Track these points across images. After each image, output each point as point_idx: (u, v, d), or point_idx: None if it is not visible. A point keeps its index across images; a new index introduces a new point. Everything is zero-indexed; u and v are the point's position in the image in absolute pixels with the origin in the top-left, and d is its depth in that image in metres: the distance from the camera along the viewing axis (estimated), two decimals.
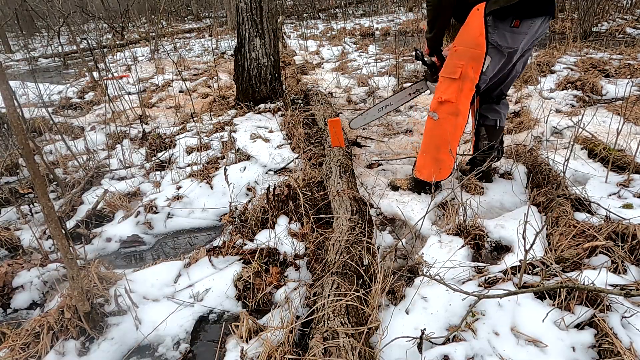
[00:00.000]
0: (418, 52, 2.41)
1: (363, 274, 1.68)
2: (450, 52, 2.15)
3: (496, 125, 2.41)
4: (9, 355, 1.54)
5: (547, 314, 1.44)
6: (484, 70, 2.06)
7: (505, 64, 2.14)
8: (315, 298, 1.57)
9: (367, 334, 1.43)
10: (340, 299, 1.47)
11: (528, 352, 1.36)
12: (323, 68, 6.32)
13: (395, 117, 3.94)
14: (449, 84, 2.14)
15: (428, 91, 2.66)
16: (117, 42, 9.14)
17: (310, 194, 2.39)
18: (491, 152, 2.44)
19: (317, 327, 1.41)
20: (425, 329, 1.38)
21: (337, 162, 2.49)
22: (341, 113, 4.08)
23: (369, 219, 2.06)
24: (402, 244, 2.07)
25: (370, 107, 2.73)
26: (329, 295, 1.50)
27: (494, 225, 2.09)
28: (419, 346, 1.36)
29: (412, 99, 2.76)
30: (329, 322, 1.38)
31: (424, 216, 1.99)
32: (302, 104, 4.15)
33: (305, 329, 1.53)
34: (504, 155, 2.78)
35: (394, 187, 2.54)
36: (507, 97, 2.44)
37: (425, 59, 2.45)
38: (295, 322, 1.55)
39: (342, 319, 1.39)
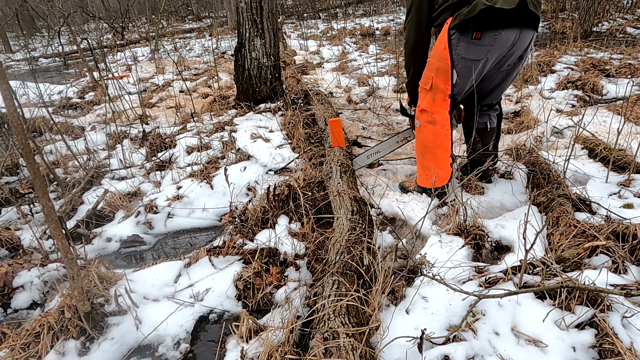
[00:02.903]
0: (401, 104, 2.58)
1: (363, 274, 1.68)
2: (427, 63, 2.24)
3: (486, 128, 2.43)
4: (9, 355, 1.54)
5: (548, 314, 1.43)
6: (453, 82, 2.11)
7: (478, 75, 2.12)
8: (315, 298, 1.57)
9: (367, 334, 1.43)
10: (341, 299, 1.47)
11: (528, 352, 1.36)
12: (323, 68, 6.32)
13: (396, 117, 3.93)
14: (424, 94, 2.23)
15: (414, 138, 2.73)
16: (118, 42, 9.14)
17: (310, 194, 2.39)
18: (488, 154, 2.45)
19: (317, 327, 1.41)
20: (425, 329, 1.38)
21: (338, 162, 2.49)
22: (341, 113, 4.08)
23: (369, 219, 2.06)
24: (402, 244, 2.07)
25: (360, 155, 2.79)
26: (329, 295, 1.50)
27: (495, 225, 2.08)
28: (419, 346, 1.36)
29: (401, 146, 2.81)
30: (329, 322, 1.38)
31: (424, 217, 1.99)
32: (302, 104, 4.14)
33: (306, 329, 1.52)
34: (502, 155, 2.79)
35: (404, 188, 2.55)
36: (498, 104, 2.44)
37: (408, 110, 2.55)
38: (296, 322, 1.55)
39: (342, 319, 1.39)
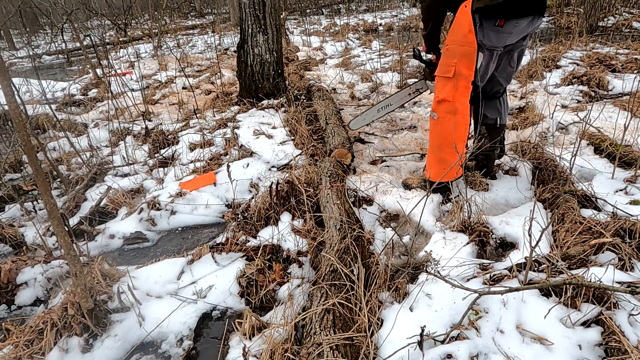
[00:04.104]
0: (416, 50, 2.42)
1: (356, 280, 1.66)
2: (443, 51, 2.15)
3: (496, 124, 2.39)
4: (13, 352, 1.54)
5: (550, 310, 1.42)
6: (477, 67, 2.05)
7: (493, 62, 2.13)
8: (305, 314, 1.57)
9: (360, 339, 1.42)
10: (328, 312, 1.47)
11: (534, 350, 1.35)
12: (326, 64, 6.29)
13: (399, 113, 3.91)
14: (444, 83, 2.14)
15: (428, 90, 2.65)
16: (120, 39, 9.13)
17: (312, 190, 2.38)
18: (494, 150, 2.42)
19: (305, 341, 1.42)
20: (425, 327, 1.36)
21: (327, 173, 2.48)
22: (343, 109, 4.06)
23: (360, 226, 2.05)
24: (402, 241, 2.06)
25: (370, 108, 2.72)
26: (316, 309, 1.50)
27: (499, 222, 2.07)
28: (420, 344, 1.34)
29: (412, 98, 2.74)
30: (315, 336, 1.39)
31: (420, 217, 1.97)
32: (305, 100, 4.13)
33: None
34: (506, 152, 2.77)
35: (407, 186, 2.53)
36: (505, 94, 2.40)
37: (423, 57, 2.44)
38: (296, 319, 1.55)
39: (327, 332, 1.40)
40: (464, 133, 2.19)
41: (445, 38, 2.14)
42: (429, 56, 2.43)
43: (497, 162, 2.65)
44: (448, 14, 2.24)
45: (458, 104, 2.12)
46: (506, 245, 2.01)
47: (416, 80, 2.76)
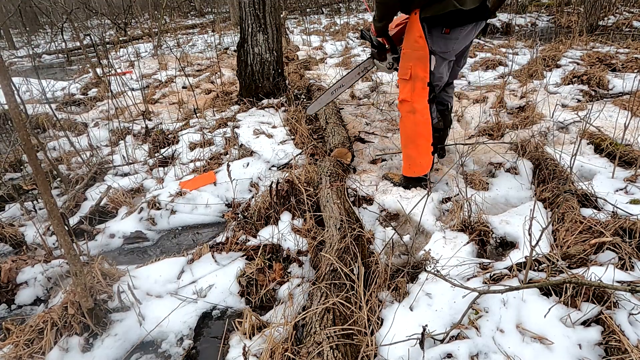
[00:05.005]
0: (364, 32, 2.52)
1: (355, 279, 1.66)
2: (401, 55, 2.28)
3: (447, 108, 2.55)
4: (13, 351, 1.54)
5: (549, 309, 1.42)
6: (432, 69, 2.18)
7: (445, 65, 2.27)
8: (305, 314, 1.57)
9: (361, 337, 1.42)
10: (328, 311, 1.47)
11: (534, 349, 1.35)
12: (326, 63, 6.28)
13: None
14: (404, 84, 2.29)
15: (375, 68, 2.73)
16: (120, 38, 9.13)
17: (312, 189, 2.38)
18: (446, 132, 2.62)
19: (305, 340, 1.42)
20: (427, 326, 1.37)
21: (327, 173, 2.49)
22: (343, 108, 4.06)
23: (360, 225, 2.05)
24: (402, 241, 2.06)
25: (324, 92, 2.79)
26: (316, 308, 1.51)
27: (499, 221, 2.07)
28: (421, 343, 1.35)
29: (362, 77, 2.83)
30: (315, 335, 1.39)
31: (417, 214, 1.97)
32: (305, 100, 4.13)
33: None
34: (507, 150, 2.77)
35: (388, 179, 2.61)
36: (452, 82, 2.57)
37: (373, 39, 2.53)
38: (297, 319, 1.54)
39: (328, 332, 1.40)
40: (426, 130, 2.31)
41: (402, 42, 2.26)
42: (379, 39, 2.52)
43: (497, 160, 2.66)
44: None
45: (416, 104, 2.26)
46: (506, 245, 2.01)
47: (364, 60, 2.81)
